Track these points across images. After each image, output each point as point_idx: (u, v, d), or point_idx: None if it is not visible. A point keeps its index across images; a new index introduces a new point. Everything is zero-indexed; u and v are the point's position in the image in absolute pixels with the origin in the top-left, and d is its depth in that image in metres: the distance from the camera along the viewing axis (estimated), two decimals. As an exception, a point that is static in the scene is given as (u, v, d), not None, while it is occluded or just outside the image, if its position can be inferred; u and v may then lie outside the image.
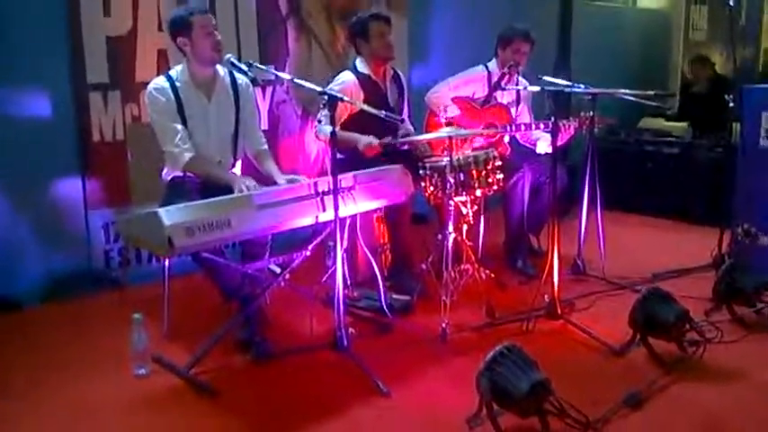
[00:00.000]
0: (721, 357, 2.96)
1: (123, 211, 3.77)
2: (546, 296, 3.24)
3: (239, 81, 3.34)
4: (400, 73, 4.01)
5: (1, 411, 2.66)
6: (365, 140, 3.55)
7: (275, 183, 3.19)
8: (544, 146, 4.06)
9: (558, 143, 3.28)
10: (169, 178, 3.31)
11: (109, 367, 2.99)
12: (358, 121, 3.62)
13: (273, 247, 3.27)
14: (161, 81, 3.18)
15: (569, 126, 3.90)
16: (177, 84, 3.17)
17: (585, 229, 3.92)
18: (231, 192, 2.97)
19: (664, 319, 2.90)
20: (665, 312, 2.91)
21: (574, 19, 5.39)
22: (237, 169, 3.45)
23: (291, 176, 3.20)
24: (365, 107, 3.08)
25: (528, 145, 4.22)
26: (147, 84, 3.23)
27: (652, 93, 3.73)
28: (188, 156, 3.15)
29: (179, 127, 3.15)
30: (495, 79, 4.07)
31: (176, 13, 3.20)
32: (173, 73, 3.22)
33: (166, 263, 3.30)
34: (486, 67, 4.18)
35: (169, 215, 2.51)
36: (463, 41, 5.10)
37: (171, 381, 2.85)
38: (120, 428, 2.58)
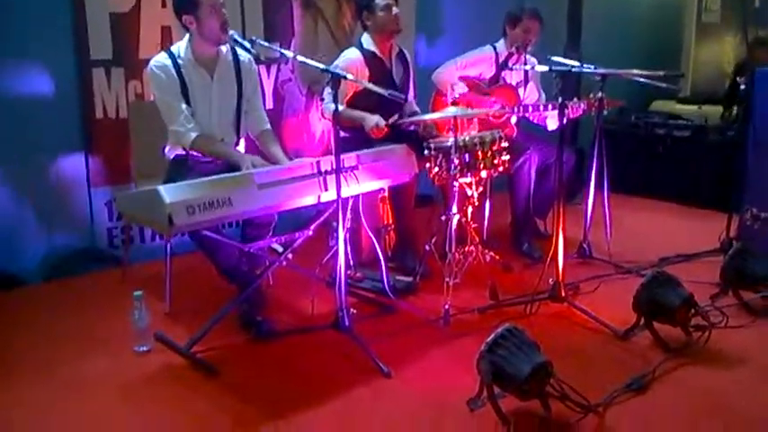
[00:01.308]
0: (726, 342, 2.93)
1: (126, 188, 3.75)
2: (550, 279, 3.20)
3: (242, 58, 3.28)
4: (405, 51, 3.95)
5: (2, 387, 2.67)
6: (372, 121, 3.51)
7: None
8: (554, 123, 4.02)
9: (565, 120, 3.22)
10: (172, 156, 3.28)
11: (110, 345, 3.00)
12: (363, 100, 3.58)
13: (277, 226, 3.25)
14: (162, 58, 3.13)
15: (578, 107, 3.85)
16: (179, 61, 3.13)
17: (592, 212, 3.88)
18: (235, 170, 2.95)
19: (669, 304, 2.87)
20: (670, 297, 2.88)
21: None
22: (241, 148, 3.41)
23: (297, 161, 3.16)
24: (369, 85, 3.03)
25: (538, 123, 4.16)
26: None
27: (662, 73, 3.66)
28: (193, 135, 3.12)
29: (183, 105, 3.12)
30: (502, 59, 4.02)
31: None
32: (174, 49, 3.17)
33: (169, 241, 3.30)
34: (494, 48, 4.12)
35: (170, 193, 2.49)
36: (472, 20, 5.03)
37: (172, 359, 2.85)
38: (121, 406, 2.58)
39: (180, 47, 3.17)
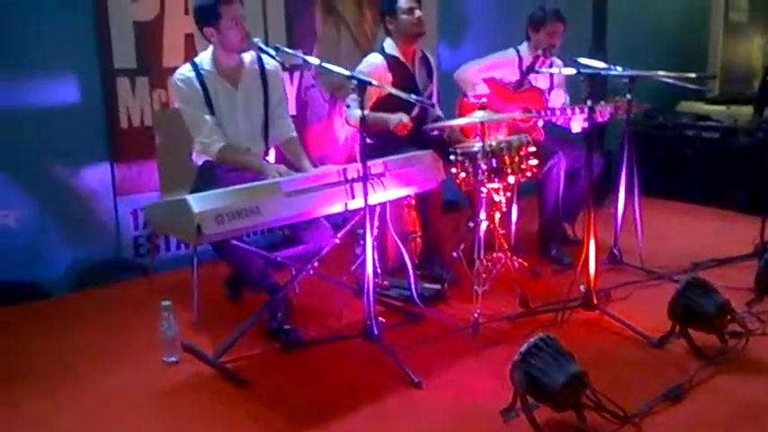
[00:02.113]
0: (764, 350, 2.86)
1: (151, 197, 3.76)
2: (581, 286, 3.15)
3: (267, 66, 3.26)
4: (429, 55, 3.92)
5: (31, 397, 2.68)
6: (395, 118, 3.46)
7: None
8: (578, 125, 3.97)
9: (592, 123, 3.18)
10: (200, 162, 3.27)
11: (138, 355, 3.00)
12: (387, 105, 3.54)
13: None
14: (186, 70, 3.13)
15: (605, 110, 3.80)
16: (202, 72, 3.12)
17: (622, 216, 3.81)
18: (262, 179, 2.93)
19: (704, 310, 2.81)
20: (706, 303, 2.82)
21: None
22: (271, 159, 3.40)
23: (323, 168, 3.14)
24: (393, 91, 3.01)
25: (563, 125, 4.11)
26: (175, 69, 3.18)
27: (693, 75, 3.59)
28: (219, 146, 3.11)
29: (208, 117, 3.11)
30: (526, 63, 3.98)
31: (203, 1, 3.08)
32: (198, 60, 3.16)
33: (195, 249, 3.28)
34: (518, 51, 4.07)
35: (198, 202, 2.49)
36: (495, 22, 4.99)
37: (201, 369, 2.84)
38: (149, 416, 2.57)
39: (204, 58, 3.16)
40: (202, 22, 3.07)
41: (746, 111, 5.49)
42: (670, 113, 5.74)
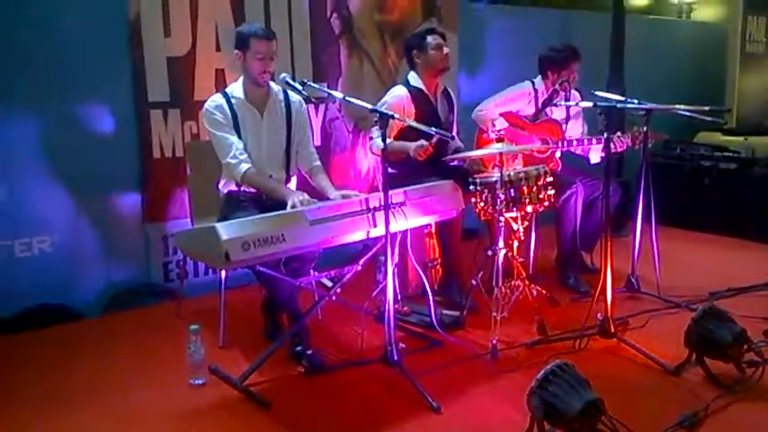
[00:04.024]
0: (781, 379, 2.87)
1: (181, 224, 3.87)
2: (599, 314, 3.19)
3: (292, 99, 3.42)
4: (450, 90, 4.03)
5: (61, 418, 2.76)
6: (416, 145, 3.55)
7: (328, 198, 3.24)
8: (596, 155, 4.04)
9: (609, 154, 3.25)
10: (225, 191, 3.40)
11: (166, 377, 3.07)
12: (409, 135, 3.62)
13: (323, 260, 3.31)
14: (217, 98, 3.29)
15: (622, 141, 3.87)
16: (232, 100, 3.29)
17: (640, 245, 3.85)
18: (285, 205, 3.04)
19: (720, 339, 2.84)
20: (722, 332, 2.85)
21: (627, 33, 5.33)
22: (293, 185, 3.51)
23: (344, 192, 3.23)
24: (414, 124, 3.10)
25: (582, 154, 4.17)
26: (205, 102, 3.32)
27: (707, 108, 3.66)
28: (245, 167, 3.23)
29: (236, 139, 3.25)
30: (541, 96, 4.07)
31: (244, 27, 3.33)
32: (228, 89, 3.34)
33: (222, 275, 3.39)
34: (533, 84, 4.16)
35: (226, 230, 2.57)
36: (514, 57, 5.09)
37: (226, 391, 2.91)
38: (176, 437, 2.64)
39: (233, 87, 3.33)
40: (237, 44, 3.27)
41: (764, 141, 5.52)
42: (688, 144, 5.80)
